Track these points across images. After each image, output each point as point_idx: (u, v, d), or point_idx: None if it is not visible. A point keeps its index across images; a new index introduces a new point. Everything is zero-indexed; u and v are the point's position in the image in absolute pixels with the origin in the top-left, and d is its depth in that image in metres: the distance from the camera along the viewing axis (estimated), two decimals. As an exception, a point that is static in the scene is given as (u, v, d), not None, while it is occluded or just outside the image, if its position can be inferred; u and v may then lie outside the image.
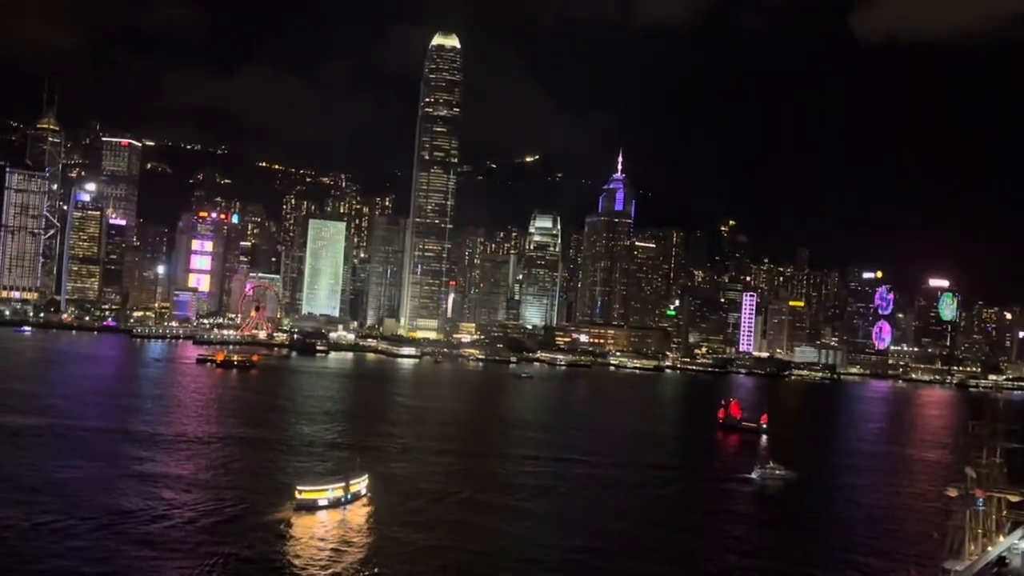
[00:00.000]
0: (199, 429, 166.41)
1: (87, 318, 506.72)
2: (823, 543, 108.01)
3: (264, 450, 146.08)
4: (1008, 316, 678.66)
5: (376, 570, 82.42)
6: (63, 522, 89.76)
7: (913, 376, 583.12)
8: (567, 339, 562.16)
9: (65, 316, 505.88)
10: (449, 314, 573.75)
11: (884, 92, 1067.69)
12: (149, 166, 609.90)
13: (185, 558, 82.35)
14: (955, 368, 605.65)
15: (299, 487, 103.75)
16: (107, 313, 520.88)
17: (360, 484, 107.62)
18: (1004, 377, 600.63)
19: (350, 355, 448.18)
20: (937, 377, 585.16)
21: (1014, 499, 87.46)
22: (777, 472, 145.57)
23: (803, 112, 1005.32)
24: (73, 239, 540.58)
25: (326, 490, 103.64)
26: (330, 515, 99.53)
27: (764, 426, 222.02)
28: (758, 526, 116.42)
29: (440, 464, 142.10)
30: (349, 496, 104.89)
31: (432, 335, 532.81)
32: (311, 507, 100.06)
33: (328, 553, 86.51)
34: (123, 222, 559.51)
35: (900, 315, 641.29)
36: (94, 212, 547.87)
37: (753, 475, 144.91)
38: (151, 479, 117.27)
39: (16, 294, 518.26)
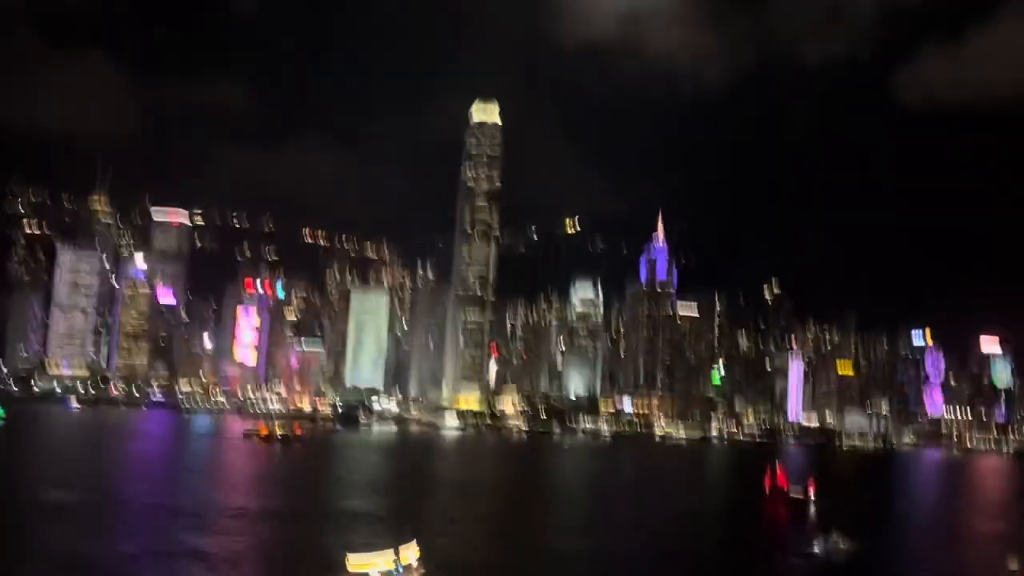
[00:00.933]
0: (245, 503, 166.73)
1: (136, 393, 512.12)
2: None
3: (311, 523, 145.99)
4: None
5: None
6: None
7: (968, 445, 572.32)
8: (610, 407, 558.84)
9: (114, 392, 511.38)
10: (492, 384, 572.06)
11: (927, 151, 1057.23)
12: (197, 241, 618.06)
13: None
14: (1011, 436, 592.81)
15: (350, 558, 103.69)
16: (155, 388, 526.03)
17: (411, 555, 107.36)
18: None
19: (393, 426, 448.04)
20: (993, 446, 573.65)
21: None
22: (840, 545, 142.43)
23: (845, 172, 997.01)
24: (123, 315, 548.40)
25: (377, 562, 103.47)
26: None
27: (812, 496, 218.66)
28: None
29: (486, 537, 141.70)
30: (400, 568, 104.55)
31: (475, 406, 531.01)
32: None
33: None
34: (172, 299, 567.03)
35: (952, 380, 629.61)
36: (144, 289, 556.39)
37: (815, 549, 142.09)
38: (198, 555, 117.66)
39: (67, 371, 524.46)
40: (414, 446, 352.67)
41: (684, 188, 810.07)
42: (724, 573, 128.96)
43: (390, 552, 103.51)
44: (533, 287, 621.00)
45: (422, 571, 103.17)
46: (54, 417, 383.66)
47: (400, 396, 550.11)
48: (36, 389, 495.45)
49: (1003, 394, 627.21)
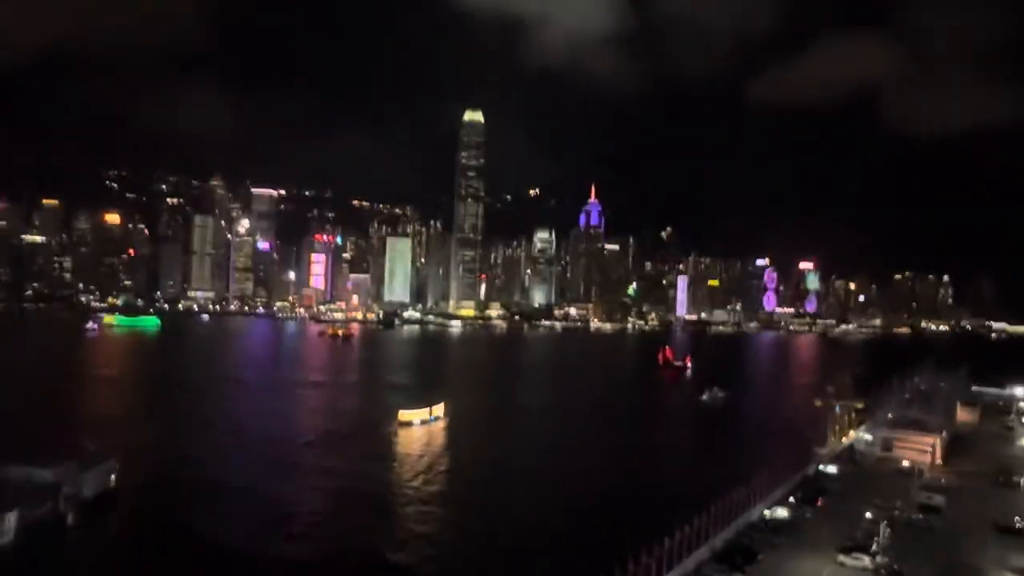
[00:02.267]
0: (323, 378, 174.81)
1: (246, 309, 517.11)
2: (750, 434, 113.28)
3: (371, 388, 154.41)
4: (851, 285, 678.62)
5: (448, 460, 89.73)
6: (240, 445, 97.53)
7: (791, 328, 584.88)
8: (561, 311, 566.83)
9: (232, 307, 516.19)
10: (482, 298, 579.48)
11: (769, 138, 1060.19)
12: (282, 206, 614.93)
13: (332, 455, 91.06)
14: (817, 321, 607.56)
15: (400, 411, 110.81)
16: (259, 304, 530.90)
17: (439, 410, 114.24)
18: (850, 326, 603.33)
19: (417, 327, 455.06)
20: (806, 327, 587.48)
21: (859, 407, 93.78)
22: (719, 394, 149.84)
23: (715, 154, 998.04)
24: (235, 257, 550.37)
25: (418, 413, 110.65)
26: (421, 429, 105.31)
27: (688, 365, 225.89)
28: (710, 426, 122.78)
29: (483, 395, 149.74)
30: (433, 418, 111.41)
31: (471, 312, 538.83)
32: (409, 424, 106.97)
33: (422, 451, 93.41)
34: (267, 245, 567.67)
35: (781, 287, 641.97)
36: (248, 238, 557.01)
37: (704, 397, 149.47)
38: (301, 409, 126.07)
39: (200, 294, 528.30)
40: (431, 340, 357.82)
41: (610, 164, 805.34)
42: (645, 414, 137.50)
43: (427, 408, 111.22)
44: (509, 233, 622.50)
45: (446, 420, 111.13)
46: (192, 324, 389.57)
47: (421, 307, 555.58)
48: (180, 307, 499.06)
49: (813, 295, 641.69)
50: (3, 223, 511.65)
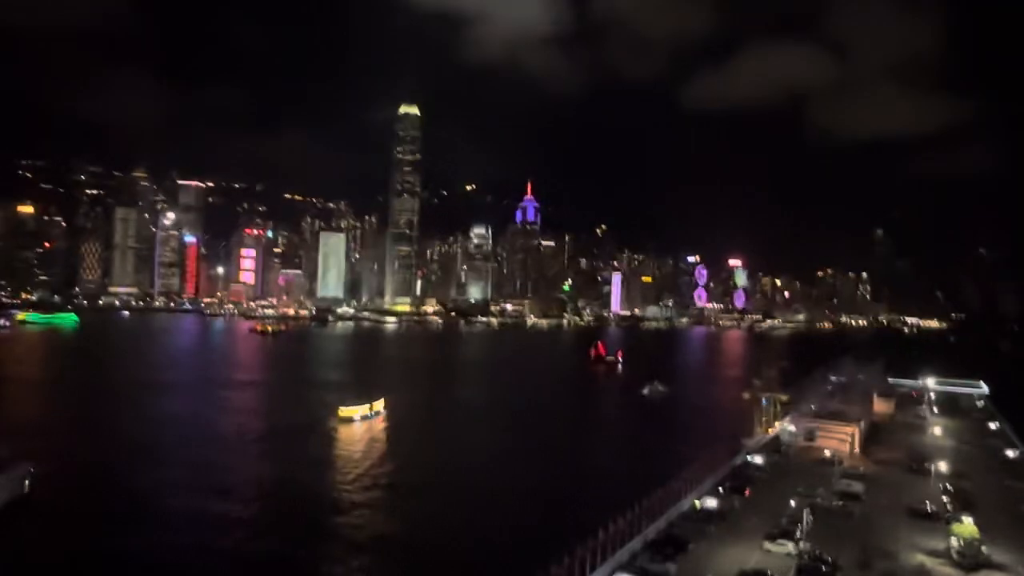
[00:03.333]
0: (253, 376, 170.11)
1: (172, 304, 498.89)
2: (682, 427, 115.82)
3: (299, 388, 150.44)
4: (777, 282, 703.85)
5: (392, 455, 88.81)
6: (176, 441, 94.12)
7: (720, 323, 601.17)
8: (497, 307, 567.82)
9: (157, 303, 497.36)
10: (418, 294, 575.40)
11: (700, 139, 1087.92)
12: (210, 199, 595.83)
13: (269, 454, 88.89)
14: (746, 316, 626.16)
15: (340, 408, 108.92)
16: (184, 300, 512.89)
17: (379, 405, 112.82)
18: (776, 321, 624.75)
19: (351, 324, 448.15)
20: (734, 322, 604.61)
21: (784, 399, 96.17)
22: (660, 388, 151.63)
23: (650, 154, 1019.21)
24: (160, 251, 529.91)
25: (358, 409, 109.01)
26: (362, 425, 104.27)
27: (620, 359, 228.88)
28: (642, 420, 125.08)
29: (422, 391, 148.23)
30: (373, 414, 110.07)
31: (407, 308, 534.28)
32: (349, 420, 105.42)
33: (362, 447, 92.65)
34: (193, 239, 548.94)
35: (711, 284, 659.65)
36: (174, 232, 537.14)
37: (645, 391, 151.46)
38: (223, 409, 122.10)
39: (122, 289, 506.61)
40: (366, 337, 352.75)
41: (546, 162, 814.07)
42: (579, 409, 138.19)
43: (367, 404, 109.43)
44: (444, 228, 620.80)
45: (386, 416, 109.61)
46: (113, 322, 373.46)
47: (355, 303, 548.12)
48: (100, 303, 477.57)
49: (742, 291, 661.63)
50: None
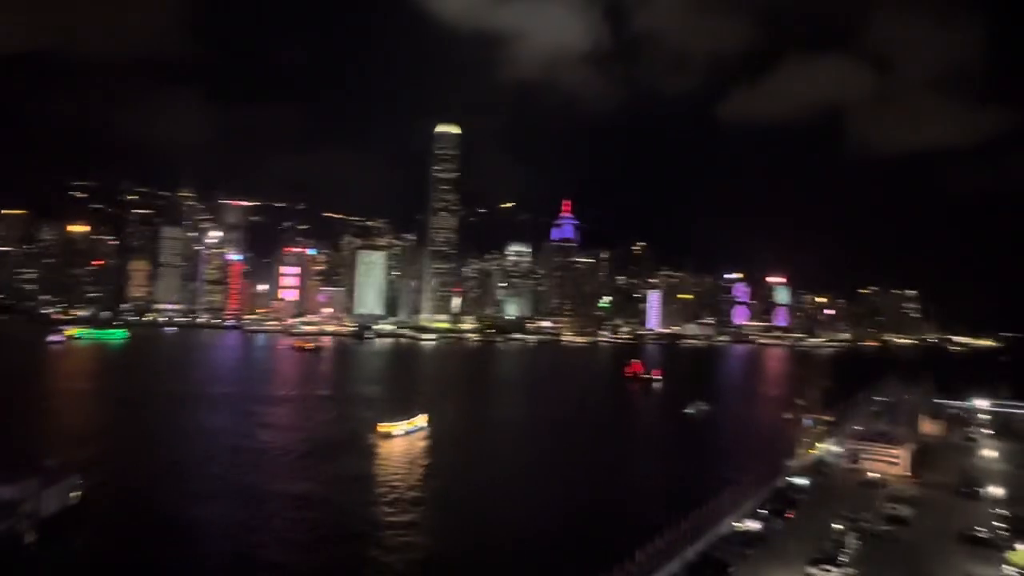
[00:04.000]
0: (295, 391, 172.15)
1: (216, 320, 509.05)
2: (722, 447, 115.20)
3: (341, 403, 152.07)
4: (820, 299, 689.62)
5: (432, 471, 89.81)
6: (218, 455, 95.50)
7: (761, 341, 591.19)
8: (534, 325, 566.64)
9: (201, 320, 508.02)
10: (455, 311, 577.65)
11: (739, 155, 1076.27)
12: (253, 218, 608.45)
13: (313, 468, 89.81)
14: (787, 334, 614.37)
15: (379, 423, 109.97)
16: (228, 317, 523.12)
17: (420, 421, 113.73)
18: (819, 340, 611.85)
19: (390, 340, 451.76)
20: (776, 341, 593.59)
21: (827, 419, 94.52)
22: (703, 407, 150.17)
23: (687, 169, 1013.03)
24: (204, 269, 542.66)
25: (397, 425, 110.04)
26: (402, 440, 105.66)
27: (657, 378, 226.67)
28: (682, 439, 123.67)
29: (460, 408, 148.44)
30: (414, 428, 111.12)
31: (444, 325, 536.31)
32: (389, 436, 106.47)
33: (402, 463, 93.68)
34: (237, 257, 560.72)
35: (752, 301, 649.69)
36: (218, 250, 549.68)
37: (689, 409, 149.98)
38: (265, 424, 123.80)
39: (168, 306, 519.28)
40: (404, 353, 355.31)
41: (583, 179, 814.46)
42: (622, 427, 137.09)
43: (407, 420, 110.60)
44: (482, 246, 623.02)
45: (428, 430, 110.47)
46: (158, 337, 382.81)
47: (394, 320, 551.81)
48: (147, 319, 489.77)
49: (783, 309, 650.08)
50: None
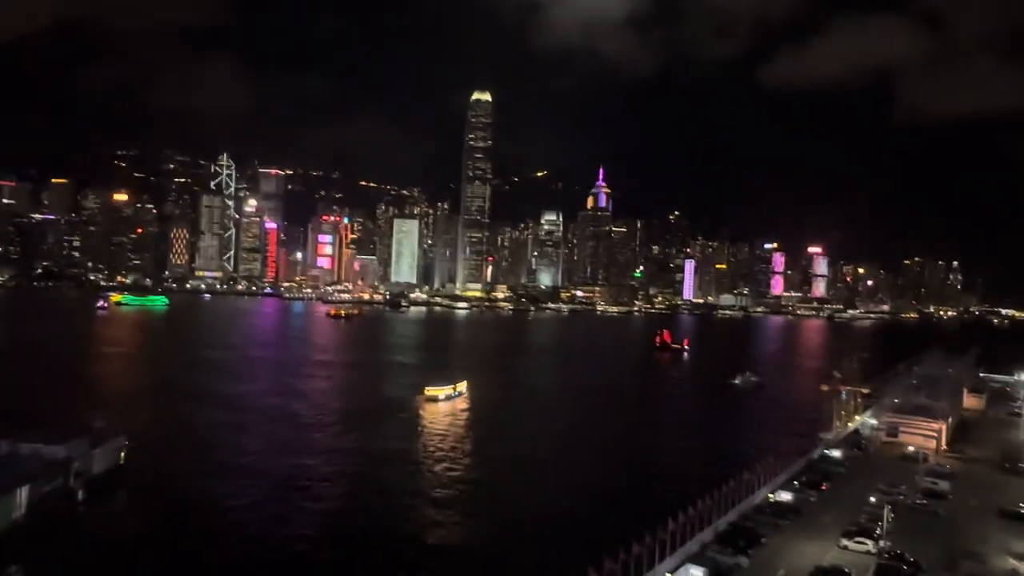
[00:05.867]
0: (331, 357, 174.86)
1: (253, 288, 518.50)
2: (760, 417, 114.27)
3: (385, 368, 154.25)
4: (860, 270, 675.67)
5: (475, 432, 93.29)
6: (253, 422, 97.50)
7: (798, 312, 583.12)
8: (568, 294, 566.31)
9: (239, 287, 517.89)
10: (488, 280, 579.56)
11: (781, 121, 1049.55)
12: (289, 187, 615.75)
13: (360, 429, 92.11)
14: (825, 306, 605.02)
15: (426, 388, 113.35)
16: (265, 284, 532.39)
17: (462, 386, 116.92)
18: (858, 311, 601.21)
19: (423, 309, 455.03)
20: (813, 312, 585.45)
21: (865, 391, 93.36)
22: (753, 379, 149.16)
23: (726, 135, 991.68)
24: (242, 237, 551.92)
25: (442, 390, 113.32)
26: (446, 404, 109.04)
27: (686, 348, 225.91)
28: (722, 408, 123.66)
29: (496, 375, 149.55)
30: (456, 393, 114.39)
31: (478, 294, 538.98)
32: (434, 400, 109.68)
33: (446, 425, 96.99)
34: (274, 225, 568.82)
35: (789, 272, 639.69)
36: (256, 219, 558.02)
37: (736, 381, 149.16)
38: (301, 392, 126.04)
39: (208, 273, 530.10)
40: (438, 322, 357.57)
41: (619, 147, 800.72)
42: (653, 396, 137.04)
43: (451, 385, 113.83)
44: (516, 215, 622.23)
45: (468, 396, 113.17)
46: (198, 304, 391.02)
47: (428, 289, 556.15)
48: (188, 286, 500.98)
49: (821, 279, 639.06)
50: (12, 201, 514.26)
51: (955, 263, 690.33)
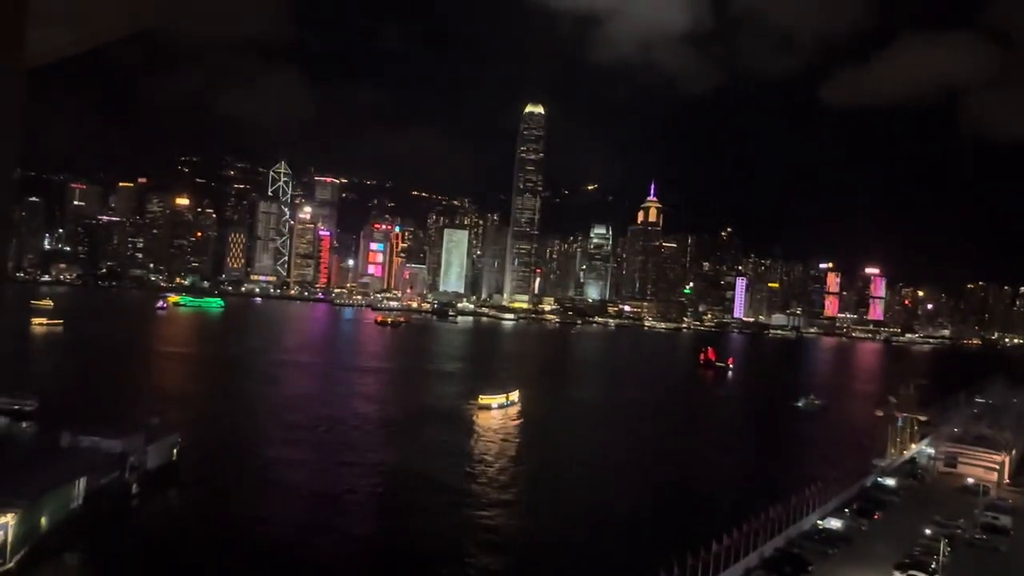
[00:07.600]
0: (380, 364, 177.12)
1: (305, 293, 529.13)
2: (811, 442, 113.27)
3: (435, 376, 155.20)
4: (919, 293, 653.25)
5: (526, 440, 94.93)
6: (305, 426, 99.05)
7: (853, 334, 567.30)
8: (615, 309, 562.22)
9: (292, 292, 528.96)
10: (536, 292, 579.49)
11: (841, 140, 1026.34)
12: (343, 195, 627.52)
13: (412, 434, 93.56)
14: (882, 329, 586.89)
15: (480, 395, 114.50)
16: (317, 290, 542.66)
17: (514, 396, 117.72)
18: (916, 335, 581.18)
19: (471, 319, 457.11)
20: (869, 335, 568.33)
21: (922, 419, 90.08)
22: (816, 402, 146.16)
23: (784, 154, 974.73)
24: (297, 243, 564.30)
25: (495, 398, 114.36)
26: (499, 412, 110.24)
27: (731, 366, 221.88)
28: (766, 431, 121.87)
29: (545, 386, 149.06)
30: (509, 402, 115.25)
31: (525, 305, 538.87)
32: (487, 408, 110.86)
33: (499, 431, 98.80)
34: (327, 232, 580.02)
35: (844, 292, 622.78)
36: (310, 225, 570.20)
37: (799, 403, 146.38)
38: (355, 394, 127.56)
39: (262, 277, 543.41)
40: (485, 332, 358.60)
41: (672, 162, 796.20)
42: (695, 415, 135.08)
43: (504, 394, 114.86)
44: (565, 228, 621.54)
45: (519, 405, 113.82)
46: (252, 307, 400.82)
47: (475, 299, 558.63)
48: (243, 289, 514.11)
49: (879, 302, 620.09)
50: (82, 203, 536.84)
51: (1021, 289, 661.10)
